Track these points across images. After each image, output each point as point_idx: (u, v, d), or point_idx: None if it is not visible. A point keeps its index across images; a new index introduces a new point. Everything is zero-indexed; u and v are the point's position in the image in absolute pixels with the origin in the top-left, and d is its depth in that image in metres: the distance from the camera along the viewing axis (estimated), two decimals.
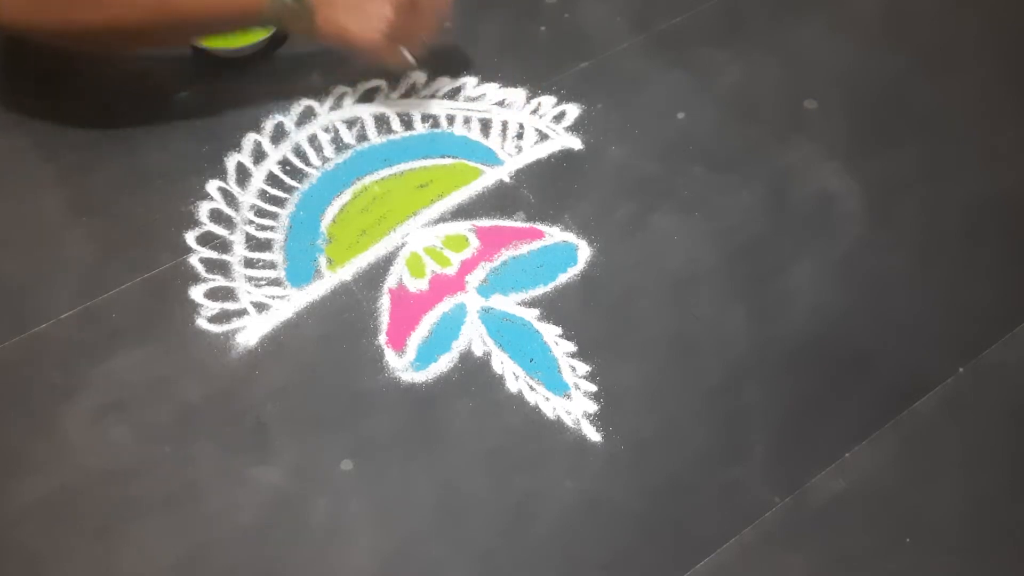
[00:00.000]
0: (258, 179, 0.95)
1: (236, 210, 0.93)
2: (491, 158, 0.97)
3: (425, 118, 1.00)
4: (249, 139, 0.98)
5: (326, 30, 0.90)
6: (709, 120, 1.01)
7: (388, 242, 0.90)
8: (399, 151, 0.97)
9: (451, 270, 0.88)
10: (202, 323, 0.84)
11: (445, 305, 0.86)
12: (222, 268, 0.88)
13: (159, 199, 0.94)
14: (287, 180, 0.95)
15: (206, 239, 0.90)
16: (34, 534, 0.73)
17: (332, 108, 1.01)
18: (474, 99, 1.02)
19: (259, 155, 0.97)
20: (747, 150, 0.98)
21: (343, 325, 0.84)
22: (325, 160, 0.97)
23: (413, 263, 0.89)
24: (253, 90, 1.04)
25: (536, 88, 1.03)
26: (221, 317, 0.85)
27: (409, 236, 0.91)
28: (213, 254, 0.89)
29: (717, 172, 0.96)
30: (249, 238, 0.91)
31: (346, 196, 0.94)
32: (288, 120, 1.00)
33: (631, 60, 1.07)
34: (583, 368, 0.81)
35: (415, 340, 0.83)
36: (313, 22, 0.89)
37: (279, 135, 0.99)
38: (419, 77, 1.04)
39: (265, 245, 0.90)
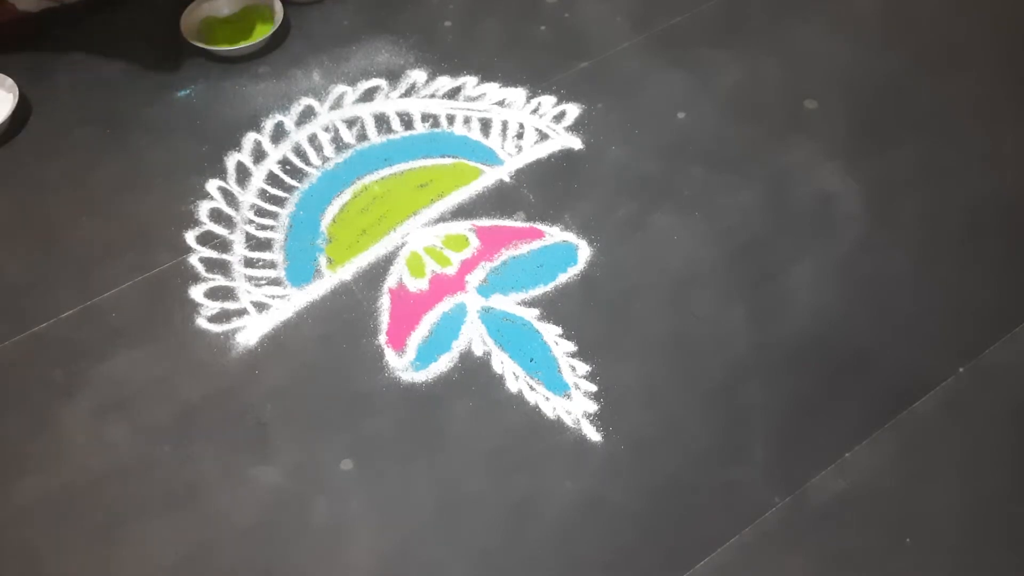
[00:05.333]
0: (258, 179, 0.95)
1: (236, 210, 0.93)
2: (491, 158, 0.97)
3: (425, 118, 1.00)
4: (249, 139, 0.98)
5: None
6: (709, 120, 1.01)
7: (388, 242, 0.90)
8: (399, 151, 0.97)
9: (451, 270, 0.88)
10: (202, 323, 0.84)
11: (445, 305, 0.86)
12: (222, 268, 0.88)
13: (159, 199, 0.94)
14: (287, 180, 0.95)
15: (206, 239, 0.90)
16: (34, 533, 0.73)
17: (332, 108, 1.01)
18: (474, 99, 1.02)
19: (259, 155, 0.97)
20: (747, 150, 0.98)
21: (343, 325, 0.84)
22: (325, 160, 0.96)
23: (413, 263, 0.89)
24: (253, 90, 1.04)
25: (536, 88, 1.03)
26: (221, 317, 0.85)
27: (409, 236, 0.91)
28: (213, 254, 0.89)
29: (717, 172, 0.96)
30: (249, 238, 0.91)
31: (346, 196, 0.94)
32: (288, 120, 1.00)
33: (631, 60, 1.07)
34: (583, 368, 0.81)
35: (415, 340, 0.83)
36: None
37: (279, 135, 0.99)
38: (419, 77, 1.04)
39: (265, 245, 0.90)
